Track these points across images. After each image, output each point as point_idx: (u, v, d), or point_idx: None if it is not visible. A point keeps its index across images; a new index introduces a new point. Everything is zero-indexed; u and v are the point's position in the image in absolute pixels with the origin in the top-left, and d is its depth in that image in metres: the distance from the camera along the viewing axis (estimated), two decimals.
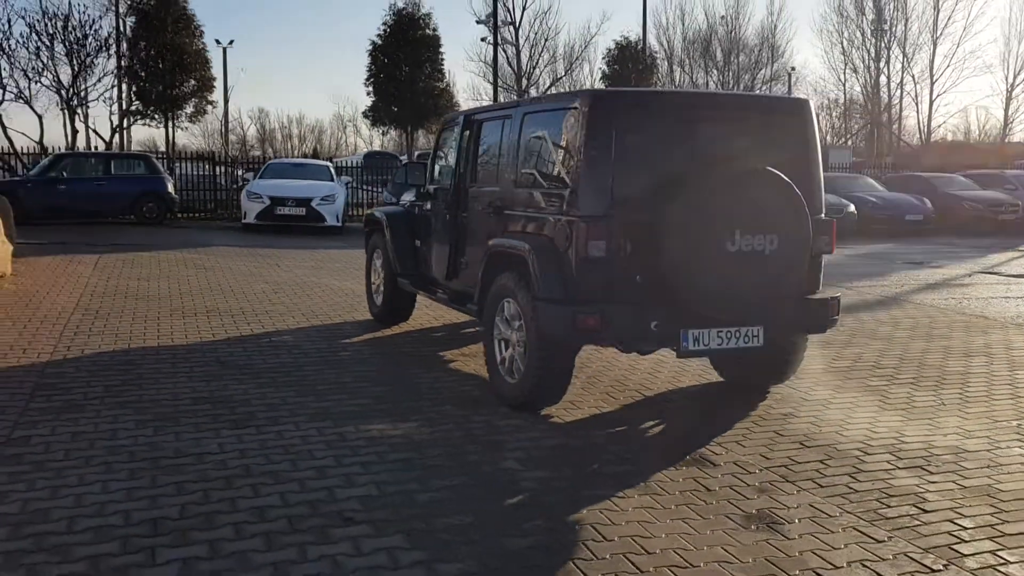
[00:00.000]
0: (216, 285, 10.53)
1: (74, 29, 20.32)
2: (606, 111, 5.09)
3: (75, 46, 20.19)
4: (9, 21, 20.05)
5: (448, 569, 3.40)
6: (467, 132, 6.75)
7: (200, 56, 22.62)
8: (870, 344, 7.80)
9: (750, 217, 4.97)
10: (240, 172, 21.36)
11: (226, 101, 46.72)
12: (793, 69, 49.05)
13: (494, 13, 25.43)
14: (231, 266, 12.40)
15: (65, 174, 18.88)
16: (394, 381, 6.25)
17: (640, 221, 5.02)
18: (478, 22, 27.37)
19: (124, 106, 22.01)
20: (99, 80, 20.93)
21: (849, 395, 6.07)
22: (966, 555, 3.62)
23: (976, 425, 5.41)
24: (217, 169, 22.41)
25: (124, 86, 21.57)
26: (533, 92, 32.48)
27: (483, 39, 27.94)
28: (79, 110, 21.38)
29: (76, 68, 20.51)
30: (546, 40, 36.83)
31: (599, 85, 29.25)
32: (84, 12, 20.84)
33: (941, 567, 3.50)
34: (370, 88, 24.32)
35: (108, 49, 20.77)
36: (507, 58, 41.37)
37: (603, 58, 27.78)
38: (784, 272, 5.10)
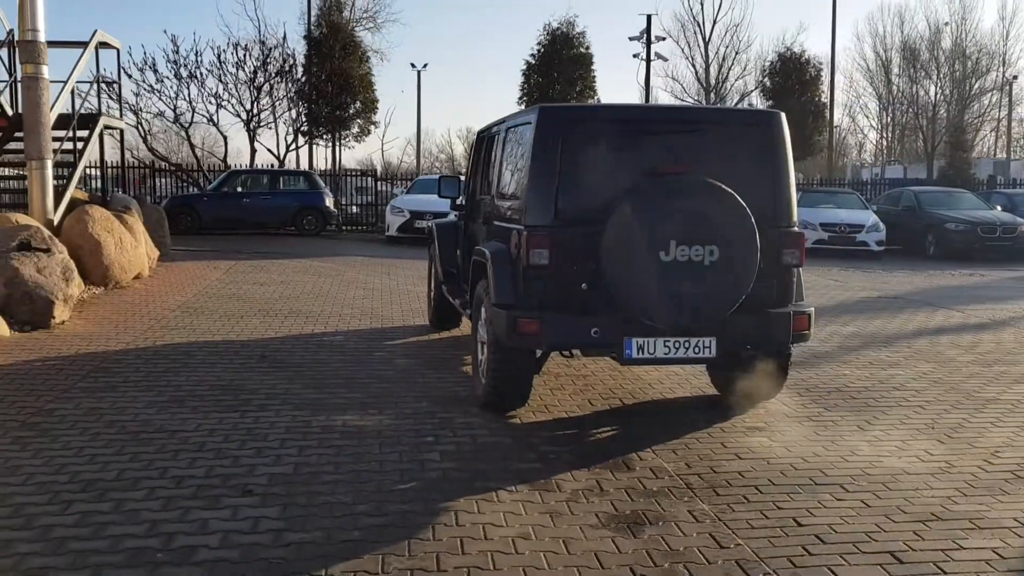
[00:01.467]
0: (317, 290, 11.41)
1: (256, 58, 22.42)
2: (552, 126, 5.31)
3: (255, 74, 22.26)
4: (197, 53, 22.23)
5: (293, 537, 3.78)
6: (478, 146, 7.12)
7: (364, 80, 24.18)
8: (914, 366, 7.44)
9: (687, 228, 5.02)
10: (392, 188, 22.63)
11: (418, 119, 49.27)
12: (1015, 77, 45.70)
13: (647, 31, 25.56)
14: (345, 273, 13.32)
15: (236, 189, 20.84)
16: (400, 379, 6.68)
17: (585, 232, 5.20)
18: (631, 39, 27.40)
19: (296, 127, 23.92)
20: (275, 103, 22.97)
21: (837, 415, 5.90)
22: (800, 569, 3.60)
23: (941, 450, 5.16)
24: (378, 185, 23.85)
25: (296, 109, 23.44)
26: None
27: (635, 55, 28.02)
28: (258, 130, 23.45)
29: (255, 93, 22.58)
30: (736, 53, 36.43)
31: (758, 99, 28.59)
32: (263, 43, 22.71)
33: None
34: (522, 106, 25.07)
35: (284, 75, 22.73)
36: (695, 72, 41.31)
37: (763, 71, 27.14)
38: (726, 283, 5.10)
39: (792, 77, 25.77)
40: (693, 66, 41.82)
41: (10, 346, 7.60)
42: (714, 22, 39.28)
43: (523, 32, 75.29)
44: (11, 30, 13.45)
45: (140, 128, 22.63)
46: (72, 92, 12.41)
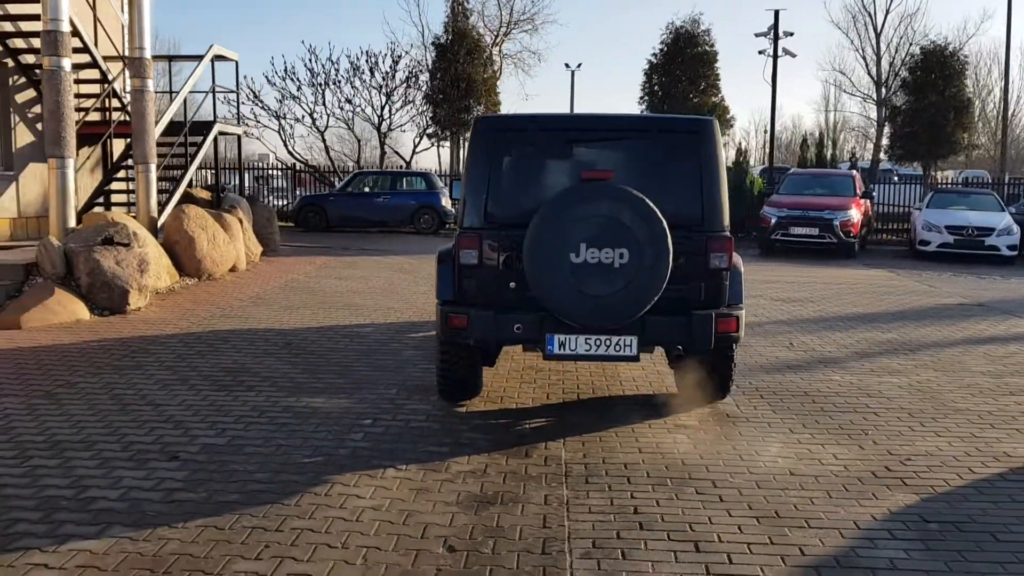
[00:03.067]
0: (388, 285, 12.18)
1: (389, 65, 23.73)
2: (486, 135, 5.71)
3: (386, 80, 23.57)
4: (332, 61, 23.72)
5: (180, 496, 4.41)
6: None
7: (488, 83, 24.99)
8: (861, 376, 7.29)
9: (597, 231, 5.30)
10: None
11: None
12: None
13: (775, 26, 24.91)
14: (427, 270, 14.04)
15: (361, 189, 22.14)
16: (392, 369, 7.23)
17: (513, 234, 5.56)
18: (757, 35, 26.69)
19: (422, 129, 25.06)
20: (402, 107, 24.16)
21: (779, 418, 5.97)
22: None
23: (849, 455, 5.19)
24: None
25: (422, 113, 24.55)
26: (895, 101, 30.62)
27: (760, 52, 27.26)
28: (389, 133, 24.75)
29: (385, 98, 23.88)
30: (910, 44, 34.89)
31: (898, 94, 27.21)
32: (393, 51, 23.96)
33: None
34: (643, 106, 25.10)
35: (410, 81, 23.90)
36: (865, 65, 39.81)
37: (903, 64, 25.84)
38: (636, 285, 5.33)
39: (934, 72, 24.46)
40: (863, 59, 40.35)
41: (84, 328, 8.73)
42: (887, 12, 37.76)
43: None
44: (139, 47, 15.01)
45: (281, 132, 24.35)
46: (184, 101, 13.73)
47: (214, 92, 14.87)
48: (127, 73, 11.90)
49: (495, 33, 53.03)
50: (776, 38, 25.31)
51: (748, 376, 7.11)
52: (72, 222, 10.10)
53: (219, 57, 14.78)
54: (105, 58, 14.28)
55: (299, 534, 3.98)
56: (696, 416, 5.96)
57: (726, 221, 5.73)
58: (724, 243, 5.66)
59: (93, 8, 13.72)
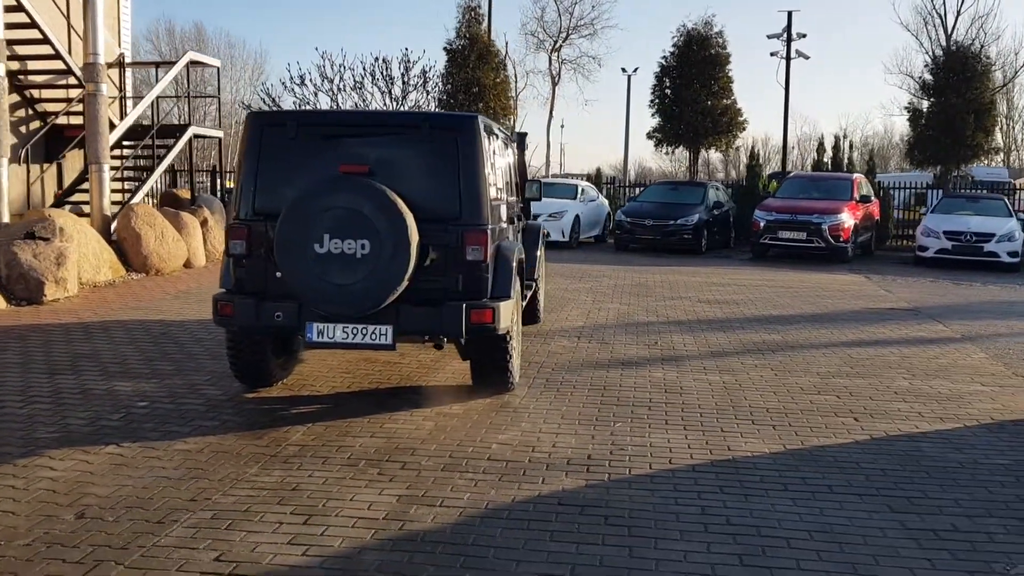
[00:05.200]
0: None
1: (400, 70, 24.14)
2: (253, 129, 5.95)
3: (392, 85, 23.96)
4: (344, 67, 24.23)
5: None
6: None
7: (500, 87, 25.16)
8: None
9: (340, 223, 5.49)
10: None
11: (627, 124, 49.42)
12: None
13: (788, 28, 24.46)
14: None
15: None
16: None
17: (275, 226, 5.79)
18: (769, 36, 26.18)
19: None
20: (412, 109, 24.48)
21: (557, 407, 6.05)
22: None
23: (575, 440, 5.24)
24: None
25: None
26: None
27: (772, 53, 26.76)
28: None
29: (395, 103, 24.25)
30: (982, 47, 33.79)
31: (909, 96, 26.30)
32: (405, 56, 24.30)
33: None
34: (654, 110, 24.95)
35: (417, 87, 24.24)
36: (930, 66, 38.42)
37: (924, 65, 24.92)
38: (378, 275, 5.49)
39: (956, 74, 23.67)
40: (933, 61, 39.09)
41: None
42: (958, 14, 36.67)
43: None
44: (122, 53, 15.76)
45: None
46: (153, 104, 14.35)
47: (189, 96, 15.47)
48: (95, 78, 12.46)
49: (553, 39, 53.44)
50: (789, 40, 24.86)
51: (567, 371, 7.18)
52: (5, 218, 10.70)
53: (196, 63, 15.36)
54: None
55: None
56: (468, 406, 6.06)
57: (484, 215, 5.83)
58: (479, 236, 5.77)
59: (67, 17, 14.45)
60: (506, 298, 5.95)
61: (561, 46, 52.54)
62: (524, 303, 7.70)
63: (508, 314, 5.92)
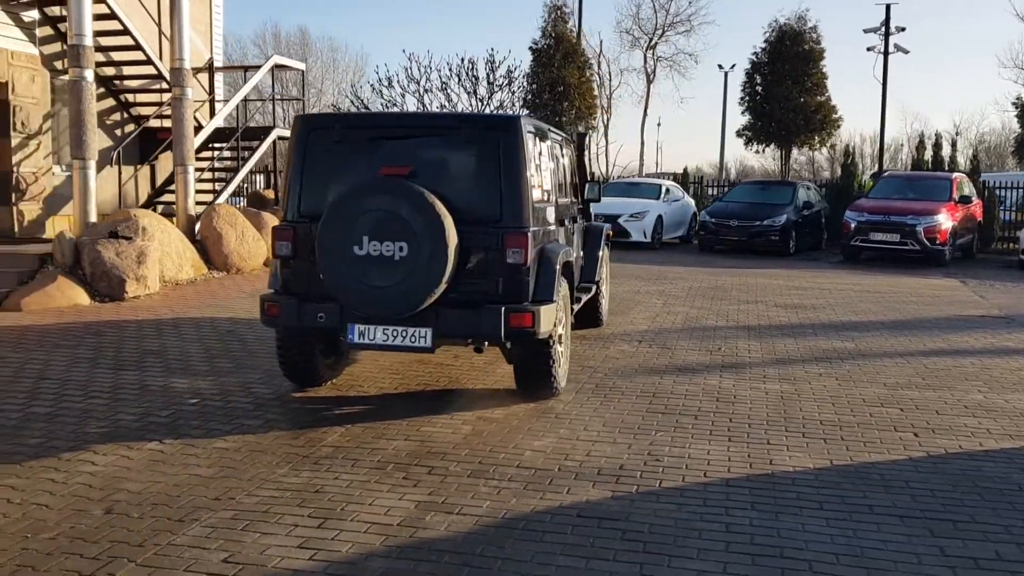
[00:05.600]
0: None
1: (483, 69, 24.27)
2: (300, 133, 6.01)
3: (476, 85, 24.09)
4: (430, 69, 24.47)
5: None
6: None
7: (585, 86, 24.97)
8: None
9: (379, 225, 5.50)
10: None
11: (723, 121, 48.44)
12: None
13: (886, 22, 23.46)
14: None
15: None
16: None
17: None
18: (866, 31, 25.10)
19: None
20: (497, 111, 24.53)
21: (590, 416, 5.92)
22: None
23: (605, 448, 5.11)
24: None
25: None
26: None
27: (869, 48, 25.59)
28: None
29: (479, 105, 24.37)
30: None
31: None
32: (490, 57, 24.40)
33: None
34: (744, 107, 24.34)
35: (502, 87, 24.28)
36: None
37: None
38: (416, 278, 5.47)
39: None
40: None
41: (73, 312, 9.69)
42: None
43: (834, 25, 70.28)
44: (211, 57, 16.27)
45: None
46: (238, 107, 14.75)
47: (273, 99, 15.85)
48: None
49: (649, 36, 52.89)
50: (887, 34, 23.90)
51: (620, 376, 7.04)
52: (93, 217, 11.16)
53: (281, 67, 15.72)
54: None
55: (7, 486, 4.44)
56: (510, 411, 5.99)
57: (526, 218, 5.75)
58: (520, 239, 5.69)
59: (158, 24, 14.98)
60: (548, 302, 5.85)
61: (656, 43, 51.92)
62: (578, 306, 7.59)
63: (549, 318, 5.83)
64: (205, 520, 4.07)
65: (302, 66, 16.31)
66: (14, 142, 12.82)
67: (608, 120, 52.68)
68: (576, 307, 7.46)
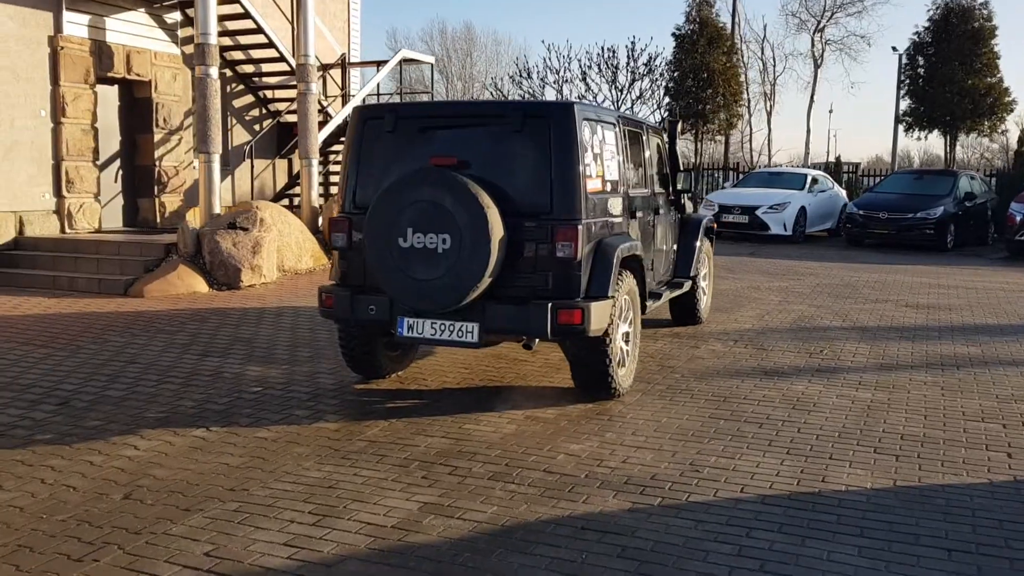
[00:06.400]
0: None
1: (624, 57, 23.85)
2: (356, 123, 5.96)
3: (615, 74, 23.64)
4: (569, 59, 24.26)
5: (12, 414, 5.27)
6: None
7: (731, 71, 24.05)
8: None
9: (423, 216, 5.38)
10: (724, 181, 22.32)
11: (897, 107, 46.15)
12: None
13: None
14: None
15: None
16: None
17: None
18: None
19: (658, 123, 24.78)
20: (638, 98, 24.03)
21: (647, 419, 5.60)
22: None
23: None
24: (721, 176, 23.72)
25: (656, 104, 24.32)
26: None
27: None
28: None
29: (619, 94, 23.96)
30: None
31: None
32: (631, 44, 23.91)
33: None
34: (904, 91, 22.68)
35: (642, 75, 23.71)
36: None
37: None
38: (459, 270, 5.32)
39: None
40: None
41: (189, 299, 10.16)
42: None
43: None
44: (343, 53, 16.70)
45: None
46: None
47: (401, 94, 16.08)
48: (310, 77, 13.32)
49: (817, 19, 50.61)
50: None
51: (698, 378, 6.64)
52: (217, 208, 11.67)
53: (409, 61, 15.95)
54: (324, 67, 16.18)
55: (38, 464, 4.63)
56: (564, 411, 5.75)
57: (578, 210, 5.48)
58: (570, 232, 5.43)
59: (291, 22, 15.49)
60: (602, 298, 5.57)
61: (825, 26, 49.73)
62: (658, 302, 7.23)
63: (603, 315, 5.54)
64: (209, 511, 4.08)
65: (431, 60, 16.48)
66: (157, 137, 13.60)
67: (772, 107, 50.81)
68: (655, 303, 7.10)
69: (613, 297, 5.67)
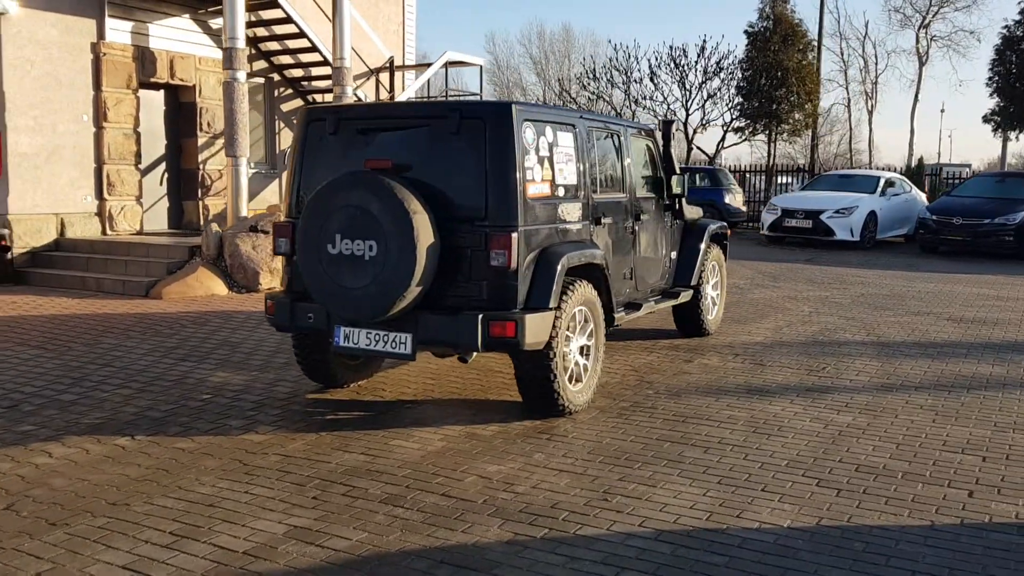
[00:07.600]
0: None
1: (695, 55, 23.16)
2: (301, 125, 5.79)
3: (684, 74, 22.99)
4: (637, 59, 23.71)
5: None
6: None
7: (806, 69, 23.02)
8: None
9: (351, 222, 5.16)
10: (787, 182, 21.38)
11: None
12: None
13: None
14: None
15: None
16: None
17: None
18: None
19: (727, 123, 23.97)
20: (708, 99, 23.31)
21: (589, 439, 5.24)
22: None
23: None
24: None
25: (728, 106, 23.52)
26: None
27: None
28: (696, 129, 24.13)
29: (689, 93, 23.30)
30: None
31: None
32: (703, 44, 23.19)
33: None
34: (992, 88, 21.28)
35: (713, 74, 22.98)
36: None
37: None
38: (385, 278, 5.08)
39: None
40: None
41: (203, 301, 10.23)
42: None
43: None
44: (391, 56, 16.69)
45: None
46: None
47: (447, 96, 15.96)
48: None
49: (922, 14, 48.53)
50: None
51: (671, 396, 6.24)
52: (244, 212, 11.75)
53: (455, 63, 15.82)
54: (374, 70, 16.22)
55: None
56: (506, 428, 5.45)
57: (514, 217, 5.17)
58: (503, 239, 5.13)
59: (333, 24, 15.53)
60: (543, 309, 5.25)
61: (930, 22, 47.68)
62: (637, 313, 6.83)
63: (541, 328, 5.22)
64: (75, 526, 3.96)
65: (480, 62, 16.30)
66: (200, 141, 13.83)
67: (873, 106, 48.84)
68: (633, 314, 6.72)
69: (556, 308, 5.33)
